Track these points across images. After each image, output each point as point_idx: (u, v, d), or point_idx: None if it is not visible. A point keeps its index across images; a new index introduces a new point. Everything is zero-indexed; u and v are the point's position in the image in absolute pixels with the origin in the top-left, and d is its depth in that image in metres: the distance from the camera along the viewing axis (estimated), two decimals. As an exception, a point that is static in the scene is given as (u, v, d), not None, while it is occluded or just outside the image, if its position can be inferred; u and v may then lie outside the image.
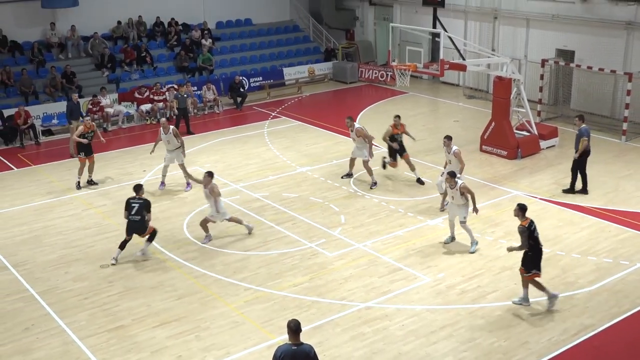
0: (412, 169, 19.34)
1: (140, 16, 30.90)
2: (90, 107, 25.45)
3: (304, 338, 9.28)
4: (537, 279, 12.89)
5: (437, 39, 21.66)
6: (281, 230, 16.62)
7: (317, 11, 35.57)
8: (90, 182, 19.90)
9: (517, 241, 15.60)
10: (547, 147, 22.06)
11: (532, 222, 12.85)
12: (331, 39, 35.10)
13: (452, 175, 15.17)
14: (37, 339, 12.55)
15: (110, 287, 14.27)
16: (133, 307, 13.50)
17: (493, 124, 21.60)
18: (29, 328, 12.91)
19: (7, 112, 24.48)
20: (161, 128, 18.94)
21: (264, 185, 19.61)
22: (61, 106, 25.66)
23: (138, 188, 15.44)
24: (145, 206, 15.18)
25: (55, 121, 25.32)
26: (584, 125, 17.99)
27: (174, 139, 18.92)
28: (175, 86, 27.65)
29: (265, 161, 21.66)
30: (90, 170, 19.91)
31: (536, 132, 21.95)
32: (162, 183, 19.58)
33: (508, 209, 17.44)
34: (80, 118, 22.52)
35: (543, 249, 13.08)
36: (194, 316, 13.12)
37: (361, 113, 26.83)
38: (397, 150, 19.30)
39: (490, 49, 27.55)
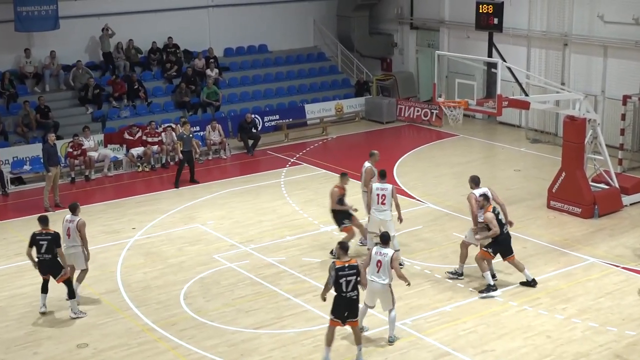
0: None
1: (131, 40, 31.37)
2: (70, 150, 25.71)
3: None
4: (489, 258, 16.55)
5: (493, 70, 21.76)
6: (300, 304, 16.51)
7: (347, 36, 35.92)
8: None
9: (594, 319, 15.44)
10: (631, 204, 21.88)
11: (494, 207, 16.44)
12: (364, 69, 35.37)
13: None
14: None
15: (87, 372, 14.24)
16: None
17: (563, 174, 21.48)
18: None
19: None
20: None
21: (280, 247, 19.58)
22: (35, 149, 25.99)
23: (44, 220, 15.70)
24: (55, 241, 15.46)
25: (27, 167, 25.55)
26: None
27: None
28: (173, 125, 27.93)
29: (282, 218, 21.68)
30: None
31: (617, 185, 21.77)
32: None
33: (583, 280, 17.25)
34: (59, 165, 22.91)
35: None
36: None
37: (400, 160, 26.86)
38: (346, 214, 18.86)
39: (560, 82, 27.57)
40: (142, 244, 20.04)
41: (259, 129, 29.52)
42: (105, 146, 27.09)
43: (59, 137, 27.08)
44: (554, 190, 21.75)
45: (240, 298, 16.73)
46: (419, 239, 19.86)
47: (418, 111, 32.38)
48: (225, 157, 28.03)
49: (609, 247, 19.20)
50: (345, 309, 13.52)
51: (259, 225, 21.04)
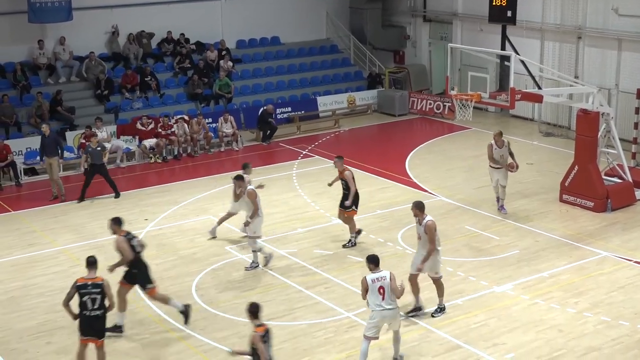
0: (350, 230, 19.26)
1: (143, 31, 31.44)
2: (83, 141, 25.78)
3: None
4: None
5: (506, 63, 21.68)
6: (312, 296, 16.52)
7: (360, 28, 35.89)
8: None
9: (606, 313, 15.39)
10: (644, 198, 21.84)
11: None
12: (376, 62, 35.35)
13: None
14: None
15: (100, 361, 14.29)
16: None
17: (576, 168, 21.42)
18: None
19: (-17, 146, 24.94)
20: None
21: (291, 239, 19.61)
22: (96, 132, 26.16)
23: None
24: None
25: (38, 157, 25.64)
26: None
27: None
28: (186, 117, 27.99)
29: (294, 210, 21.74)
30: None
31: (630, 179, 21.71)
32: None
33: (595, 274, 17.20)
34: (57, 156, 23.20)
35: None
36: (203, 401, 13.08)
37: (411, 153, 26.83)
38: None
39: (573, 75, 27.47)
40: (154, 236, 20.09)
41: (273, 121, 29.45)
42: (118, 137, 27.21)
43: (72, 128, 27.26)
44: (566, 184, 21.70)
45: (251, 290, 16.77)
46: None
47: (430, 104, 32.33)
48: (237, 149, 28.06)
49: (622, 241, 19.15)
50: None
51: (270, 217, 21.00)
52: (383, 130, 30.81)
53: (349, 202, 18.73)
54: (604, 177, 21.54)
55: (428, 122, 31.56)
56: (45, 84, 29.09)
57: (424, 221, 14.92)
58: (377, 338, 13.23)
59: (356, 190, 18.87)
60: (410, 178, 24.14)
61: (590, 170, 21.16)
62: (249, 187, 17.69)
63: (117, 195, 23.27)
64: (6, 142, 24.96)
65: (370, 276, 13.02)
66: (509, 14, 27.72)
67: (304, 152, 27.42)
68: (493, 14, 27.91)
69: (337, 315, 15.56)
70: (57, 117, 27.61)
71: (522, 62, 24.52)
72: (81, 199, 22.99)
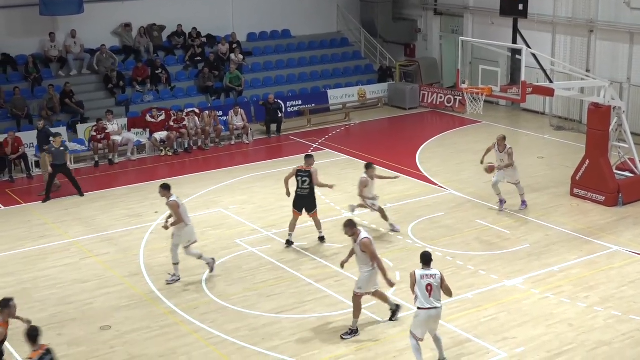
0: (319, 226, 19.21)
1: (153, 24, 31.51)
2: (94, 134, 25.90)
3: None
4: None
5: (517, 56, 21.69)
6: (322, 289, 16.58)
7: (371, 21, 35.88)
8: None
9: (617, 308, 15.36)
10: (655, 192, 21.76)
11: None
12: (387, 55, 35.33)
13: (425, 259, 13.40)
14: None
15: (111, 354, 14.32)
16: (138, 379, 13.58)
17: (587, 162, 21.38)
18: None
19: (-3, 138, 25.08)
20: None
21: (301, 232, 19.55)
22: (61, 131, 26.15)
23: None
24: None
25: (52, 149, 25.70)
26: None
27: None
28: (197, 110, 28.03)
29: (304, 203, 21.73)
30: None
31: (642, 173, 21.69)
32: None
33: (606, 269, 17.18)
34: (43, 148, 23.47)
35: None
36: (213, 393, 13.14)
37: (422, 146, 26.82)
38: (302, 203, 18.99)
39: (585, 69, 27.41)
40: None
41: (282, 113, 29.48)
42: (129, 130, 27.25)
43: (83, 121, 27.34)
44: (577, 178, 21.65)
45: (261, 282, 16.83)
46: (441, 225, 19.83)
47: (441, 97, 32.30)
48: (247, 142, 28.10)
49: (633, 235, 19.11)
50: None
51: (280, 211, 21.06)
52: (393, 123, 30.80)
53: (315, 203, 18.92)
54: (615, 171, 21.47)
55: (439, 116, 31.53)
56: (56, 76, 29.18)
57: (359, 239, 14.39)
58: (422, 340, 13.09)
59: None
60: (421, 172, 24.14)
61: (601, 165, 21.11)
62: (171, 198, 16.95)
63: (81, 195, 22.84)
64: (18, 134, 25.03)
65: (420, 272, 12.92)
66: (521, 7, 27.69)
67: (314, 146, 27.44)
68: (504, 7, 27.88)
69: (346, 309, 15.57)
70: (67, 109, 27.68)
71: (534, 55, 24.51)
72: (47, 198, 22.59)
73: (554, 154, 25.86)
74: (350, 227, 14.50)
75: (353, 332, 14.56)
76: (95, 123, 26.28)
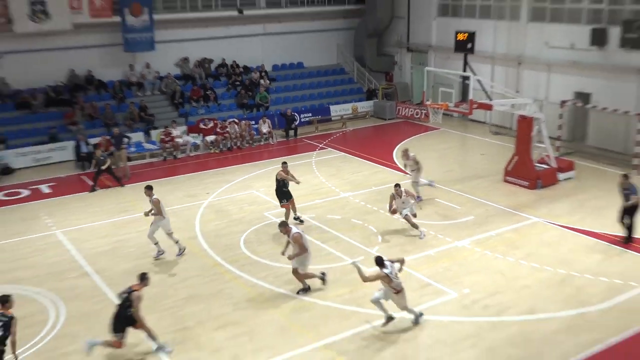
0: (294, 210, 18.43)
1: (205, 58, 31.59)
2: (163, 137, 26.05)
3: (343, 344, 9.21)
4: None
5: (466, 81, 21.73)
6: (325, 248, 16.72)
7: (361, 56, 35.88)
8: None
9: (536, 261, 15.51)
10: (564, 179, 21.80)
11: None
12: (373, 80, 35.35)
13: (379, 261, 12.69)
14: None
15: (175, 293, 14.53)
16: (195, 311, 13.73)
17: (516, 157, 21.48)
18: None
19: (92, 141, 25.14)
20: None
21: (311, 208, 19.75)
22: (137, 136, 26.42)
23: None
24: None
25: (132, 149, 25.88)
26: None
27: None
28: (236, 120, 28.14)
29: (313, 187, 21.80)
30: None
31: (555, 165, 21.75)
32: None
33: (528, 234, 17.32)
34: (122, 147, 23.60)
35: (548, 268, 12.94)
36: (248, 321, 13.29)
37: (397, 146, 26.90)
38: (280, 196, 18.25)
39: (515, 90, 27.43)
40: (213, 204, 20.29)
41: (297, 122, 29.58)
42: (188, 134, 27.32)
43: (154, 128, 27.50)
44: (509, 169, 21.75)
45: (283, 244, 16.96)
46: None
47: (411, 111, 32.32)
48: (272, 143, 28.17)
49: (548, 209, 19.21)
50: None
51: (296, 192, 21.05)
52: (377, 129, 30.87)
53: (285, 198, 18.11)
54: (536, 164, 21.59)
55: (410, 124, 31.59)
56: (135, 96, 29.28)
57: (291, 234, 14.00)
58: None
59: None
60: (396, 164, 24.26)
61: (526, 159, 21.22)
62: (154, 197, 16.14)
63: (122, 186, 22.30)
64: (108, 137, 25.12)
65: (387, 271, 12.49)
66: (469, 46, 27.65)
67: (320, 146, 27.53)
68: (457, 45, 27.85)
69: (343, 262, 15.74)
70: (143, 120, 27.84)
71: (478, 80, 24.53)
72: (93, 189, 22.00)
73: (492, 151, 25.91)
74: (284, 226, 14.12)
75: (305, 290, 14.32)
76: (163, 129, 26.43)
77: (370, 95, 34.11)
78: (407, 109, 32.57)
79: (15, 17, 25.86)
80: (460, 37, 28.25)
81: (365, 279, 12.63)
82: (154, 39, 29.00)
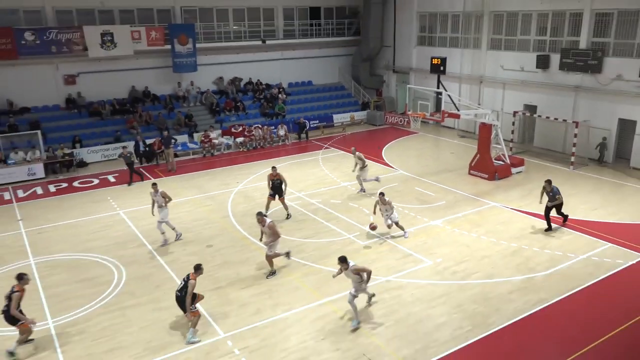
0: (286, 208, 17.34)
1: (236, 77, 31.40)
2: (203, 138, 25.87)
3: (342, 300, 9.08)
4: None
5: (440, 96, 21.46)
6: (329, 225, 16.58)
7: (357, 76, 35.55)
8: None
9: (493, 237, 15.29)
10: (516, 172, 21.53)
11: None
12: (366, 95, 35.04)
13: (342, 260, 11.22)
14: (164, 294, 12.76)
15: (212, 259, 14.42)
16: (227, 274, 13.61)
17: (478, 155, 21.22)
18: (159, 286, 13.15)
19: (148, 141, 25.01)
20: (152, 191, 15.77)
21: (317, 194, 19.60)
22: (182, 138, 26.22)
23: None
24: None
25: (179, 147, 25.75)
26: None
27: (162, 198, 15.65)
28: (260, 125, 27.93)
29: (319, 178, 21.63)
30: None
31: (509, 162, 21.47)
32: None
33: (488, 216, 17.10)
34: (171, 146, 23.28)
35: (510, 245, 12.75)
36: (268, 282, 13.16)
37: (386, 146, 26.69)
38: (275, 191, 17.21)
39: (477, 103, 27.13)
40: (242, 191, 20.13)
41: (307, 127, 29.35)
42: (222, 137, 27.17)
43: (196, 131, 27.32)
44: (472, 164, 21.49)
45: (296, 222, 16.86)
46: (395, 190, 19.73)
47: (396, 119, 32.00)
48: (288, 144, 27.99)
49: (503, 196, 18.99)
50: None
51: (306, 182, 21.05)
52: (369, 133, 30.62)
53: (285, 193, 17.19)
54: (494, 160, 21.32)
55: (395, 130, 31.32)
56: (181, 106, 29.11)
57: (266, 223, 13.19)
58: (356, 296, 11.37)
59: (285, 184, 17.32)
60: (385, 160, 24.07)
61: (486, 157, 20.94)
62: (160, 190, 15.40)
63: (129, 185, 20.86)
64: (160, 138, 24.94)
65: (353, 268, 11.10)
66: (442, 68, 27.31)
67: (325, 146, 27.31)
68: (432, 68, 27.54)
69: (342, 237, 15.59)
70: (188, 125, 27.67)
71: (449, 95, 24.26)
72: (130, 183, 21.19)
73: (460, 151, 25.60)
74: (260, 216, 13.26)
75: (272, 273, 13.41)
76: (203, 132, 26.26)
77: (364, 106, 33.80)
78: (393, 117, 32.25)
79: (90, 45, 25.72)
80: (435, 61, 27.94)
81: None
82: (197, 62, 28.75)
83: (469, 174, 21.53)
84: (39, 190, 20.92)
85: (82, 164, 24.07)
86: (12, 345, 10.74)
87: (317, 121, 31.06)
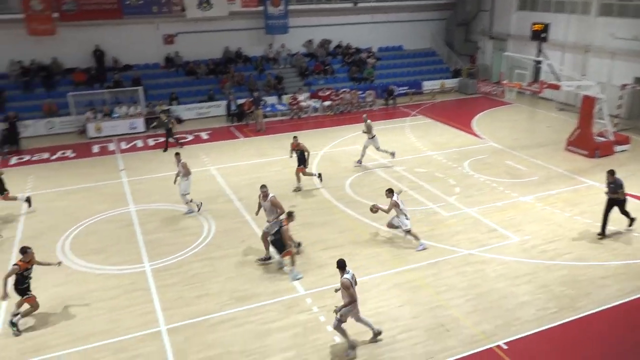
0: (298, 180, 16.72)
1: (325, 39, 31.24)
2: (291, 100, 26.20)
3: (421, 270, 9.01)
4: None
5: (539, 65, 20.17)
6: (412, 194, 16.34)
7: (451, 41, 34.18)
8: None
9: (589, 218, 14.40)
10: (620, 151, 19.99)
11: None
12: (459, 62, 33.67)
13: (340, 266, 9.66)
14: (249, 248, 13.27)
15: (295, 220, 14.68)
16: (308, 235, 13.86)
17: (578, 130, 19.87)
18: (244, 241, 13.70)
19: (239, 101, 25.62)
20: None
21: (403, 161, 19.33)
22: (272, 99, 26.67)
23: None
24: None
25: (268, 109, 26.22)
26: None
27: None
28: (347, 90, 27.76)
29: (405, 145, 21.27)
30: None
31: (612, 139, 19.94)
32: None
33: (583, 195, 16.12)
34: (260, 107, 23.63)
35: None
36: (348, 245, 13.29)
37: (477, 115, 25.68)
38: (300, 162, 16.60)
39: (581, 74, 25.23)
40: (327, 154, 20.22)
41: (395, 93, 28.78)
42: (310, 99, 27.32)
43: (285, 94, 27.67)
44: (571, 139, 20.19)
45: (378, 188, 16.76)
46: (484, 163, 19.05)
47: (490, 88, 30.56)
48: (374, 109, 27.66)
49: (602, 176, 17.60)
50: None
51: (390, 149, 20.77)
52: (460, 102, 29.55)
53: (306, 163, 16.53)
54: (595, 137, 19.89)
55: (487, 99, 29.97)
56: (272, 68, 29.52)
57: (268, 198, 12.31)
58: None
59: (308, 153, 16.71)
60: (474, 130, 23.21)
61: (587, 132, 19.59)
62: (182, 160, 14.99)
63: (165, 151, 20.62)
64: (250, 99, 25.43)
65: (348, 276, 9.48)
66: (543, 35, 25.56)
67: (413, 113, 26.73)
68: (533, 35, 25.80)
69: (426, 206, 15.21)
70: (276, 87, 28.05)
71: (549, 65, 22.72)
72: (165, 149, 20.96)
73: (557, 124, 24.11)
74: (264, 189, 12.40)
75: (266, 259, 12.59)
76: (291, 95, 26.55)
77: (456, 74, 32.52)
78: (486, 86, 30.83)
79: (188, 6, 26.66)
80: (536, 27, 26.06)
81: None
82: (288, 25, 28.90)
83: (566, 149, 20.29)
84: (139, 143, 22.26)
85: (179, 121, 25.25)
86: (16, 317, 10.46)
87: (406, 87, 30.37)
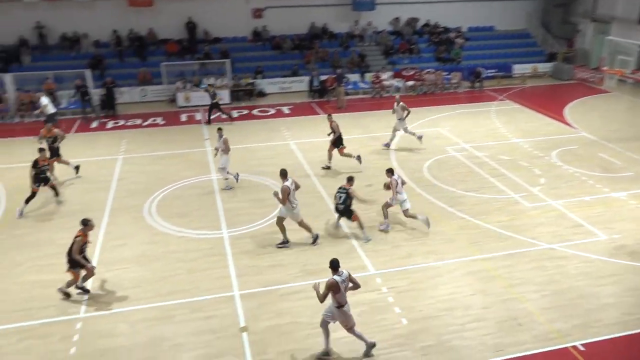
0: (329, 157, 16.56)
1: (413, 17, 30.53)
2: (374, 79, 25.98)
3: (497, 260, 8.76)
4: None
5: (647, 51, 18.59)
6: (493, 181, 15.81)
7: (547, 23, 32.23)
8: None
9: (689, 221, 13.27)
10: None
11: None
12: (555, 45, 31.72)
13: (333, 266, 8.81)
14: (323, 224, 13.42)
15: (368, 199, 14.62)
16: (381, 216, 13.80)
17: (685, 124, 18.19)
18: (318, 216, 13.83)
19: (322, 77, 25.75)
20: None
21: (485, 147, 18.68)
22: (355, 77, 26.55)
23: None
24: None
25: (350, 86, 26.16)
26: None
27: None
28: (432, 70, 27.07)
29: (489, 131, 20.54)
30: None
31: None
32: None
33: (686, 195, 14.83)
34: (342, 84, 23.65)
35: None
36: (423, 229, 13.11)
37: (570, 103, 24.21)
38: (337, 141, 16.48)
39: (694, 63, 23.00)
40: (406, 135, 19.71)
41: (482, 76, 27.69)
42: (393, 78, 26.95)
43: (369, 72, 27.43)
44: (675, 134, 18.56)
45: (458, 173, 16.37)
46: (574, 154, 18.00)
47: (587, 75, 28.60)
48: (460, 92, 26.83)
49: None
50: None
51: (474, 133, 20.13)
52: (553, 88, 27.95)
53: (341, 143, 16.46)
54: None
55: (584, 86, 28.10)
56: (356, 45, 29.31)
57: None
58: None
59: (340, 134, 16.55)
60: (566, 119, 21.92)
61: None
62: (223, 136, 15.02)
63: (231, 121, 20.95)
64: (333, 76, 25.50)
65: (338, 279, 8.64)
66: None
67: (500, 98, 25.65)
68: (642, 18, 23.82)
69: (507, 195, 14.67)
70: (360, 65, 27.86)
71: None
72: (208, 122, 21.23)
73: (661, 117, 22.29)
74: (283, 175, 12.10)
75: (284, 242, 12.41)
76: (374, 73, 26.30)
77: (551, 57, 30.71)
78: (584, 73, 28.89)
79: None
80: (647, 10, 24.02)
81: (321, 298, 8.66)
82: (375, 1, 28.49)
83: (669, 144, 18.72)
84: (224, 115, 23.02)
85: (262, 94, 25.82)
86: (64, 285, 10.62)
87: (495, 70, 29.14)
